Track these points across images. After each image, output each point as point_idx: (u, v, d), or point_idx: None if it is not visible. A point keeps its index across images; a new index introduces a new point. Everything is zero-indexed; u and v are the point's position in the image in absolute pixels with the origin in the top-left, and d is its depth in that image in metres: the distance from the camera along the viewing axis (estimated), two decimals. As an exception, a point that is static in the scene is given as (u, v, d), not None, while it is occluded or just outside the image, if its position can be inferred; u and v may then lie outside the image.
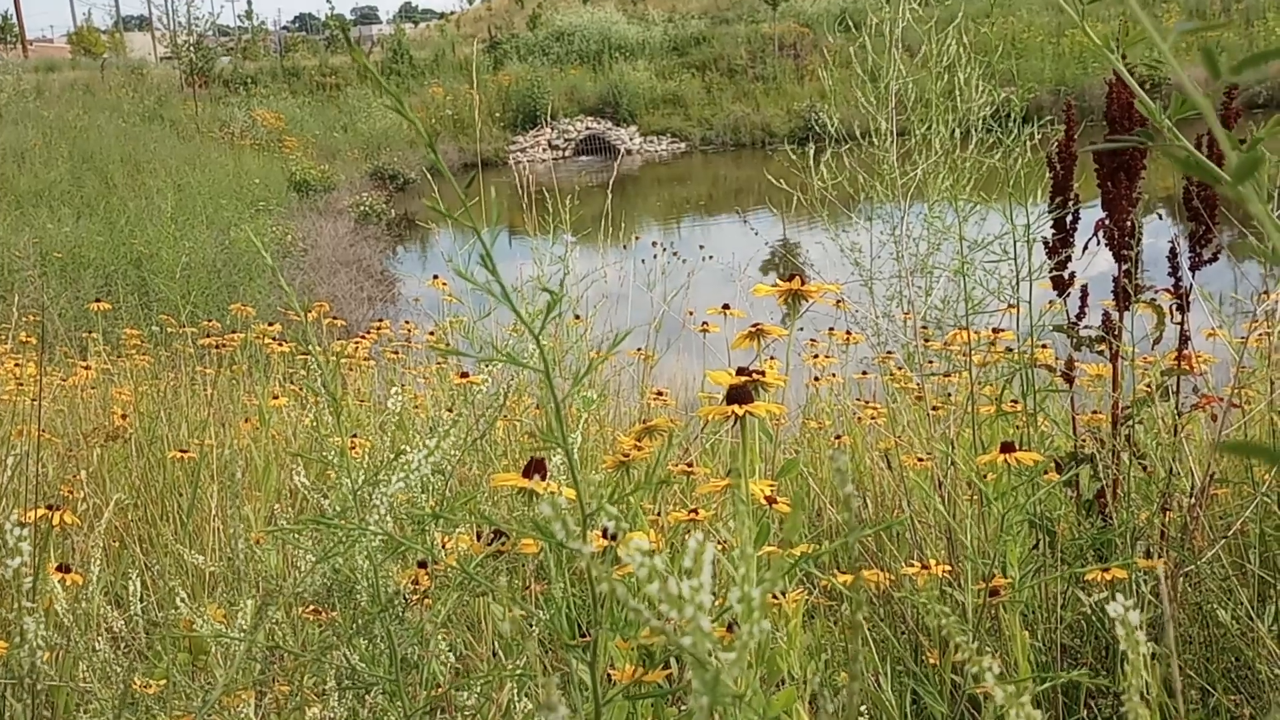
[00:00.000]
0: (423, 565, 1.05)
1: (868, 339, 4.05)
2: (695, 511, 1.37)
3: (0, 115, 17.69)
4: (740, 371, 1.17)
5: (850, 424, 2.97)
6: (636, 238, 3.46)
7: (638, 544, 0.44)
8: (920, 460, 2.22)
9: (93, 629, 1.15)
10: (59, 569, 1.28)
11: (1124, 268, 1.71)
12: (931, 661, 1.56)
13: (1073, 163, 1.77)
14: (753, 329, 1.40)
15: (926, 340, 3.87)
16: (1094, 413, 2.29)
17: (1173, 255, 1.70)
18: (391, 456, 0.94)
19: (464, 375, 2.21)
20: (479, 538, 1.02)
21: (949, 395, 3.11)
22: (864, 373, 3.60)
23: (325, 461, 0.99)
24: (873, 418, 2.96)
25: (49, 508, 1.41)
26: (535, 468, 0.97)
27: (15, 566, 0.71)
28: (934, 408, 2.85)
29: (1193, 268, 1.69)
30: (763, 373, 1.06)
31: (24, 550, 0.71)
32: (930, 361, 3.91)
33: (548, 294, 0.62)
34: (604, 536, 1.00)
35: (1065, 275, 1.75)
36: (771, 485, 1.19)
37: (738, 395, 1.00)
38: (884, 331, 4.61)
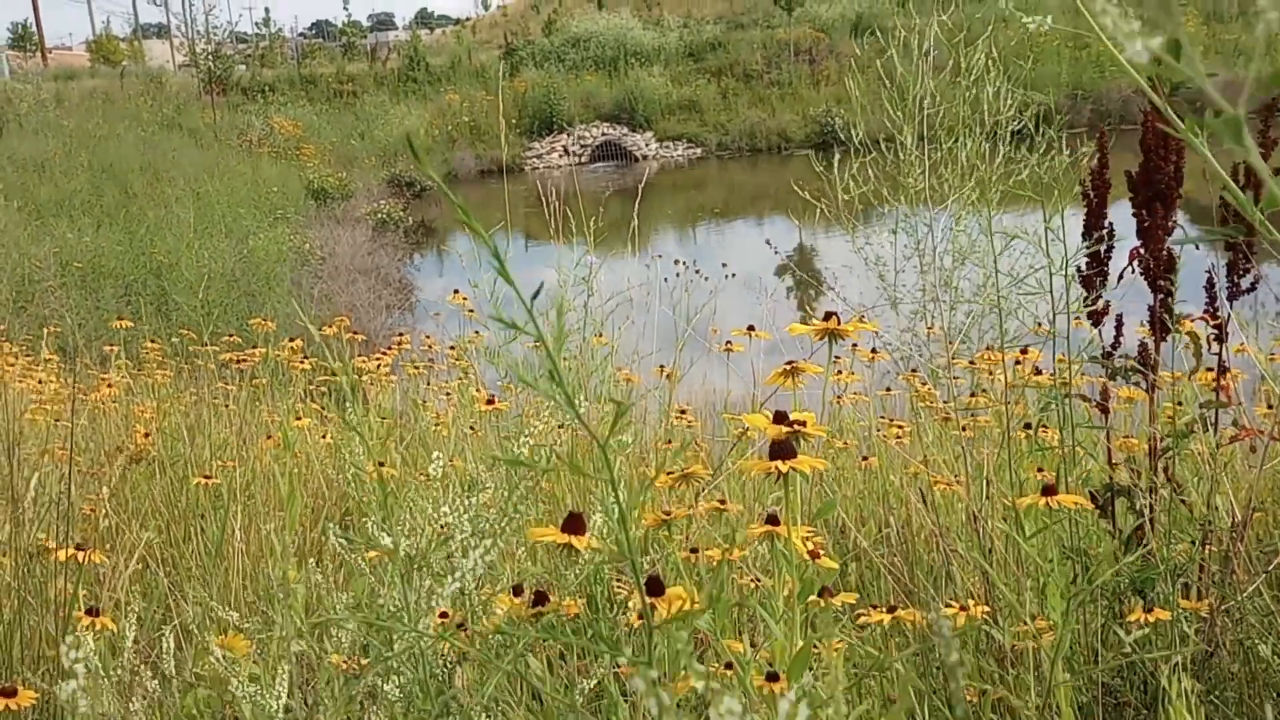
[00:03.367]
0: (461, 626, 1.03)
1: (891, 355, 4.02)
2: (730, 550, 1.35)
3: (21, 125, 17.81)
4: (778, 418, 1.15)
5: (875, 443, 2.94)
6: (659, 256, 3.45)
7: (729, 706, 0.42)
8: (949, 485, 2.19)
9: (126, 690, 1.13)
10: (88, 612, 1.27)
11: (1160, 298, 1.69)
12: (970, 700, 1.54)
13: (1107, 190, 1.75)
14: (787, 366, 1.38)
15: (953, 359, 3.83)
16: (1126, 437, 2.26)
17: (1210, 285, 1.68)
18: (437, 531, 0.92)
19: (490, 402, 2.21)
20: (516, 593, 1.01)
21: (974, 416, 3.08)
22: (888, 389, 3.58)
23: (364, 529, 0.97)
24: (898, 438, 2.93)
25: (78, 547, 1.40)
26: (574, 523, 0.96)
27: (71, 691, 0.70)
28: (962, 428, 2.82)
29: (1230, 297, 1.66)
30: (803, 422, 1.04)
31: (79, 672, 0.70)
32: (955, 378, 3.88)
33: (614, 404, 0.61)
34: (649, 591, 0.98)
35: (1100, 306, 1.72)
36: (810, 530, 1.17)
37: (780, 451, 0.98)
38: (908, 346, 4.57)
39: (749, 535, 1.16)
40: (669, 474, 1.44)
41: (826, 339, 1.32)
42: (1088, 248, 1.65)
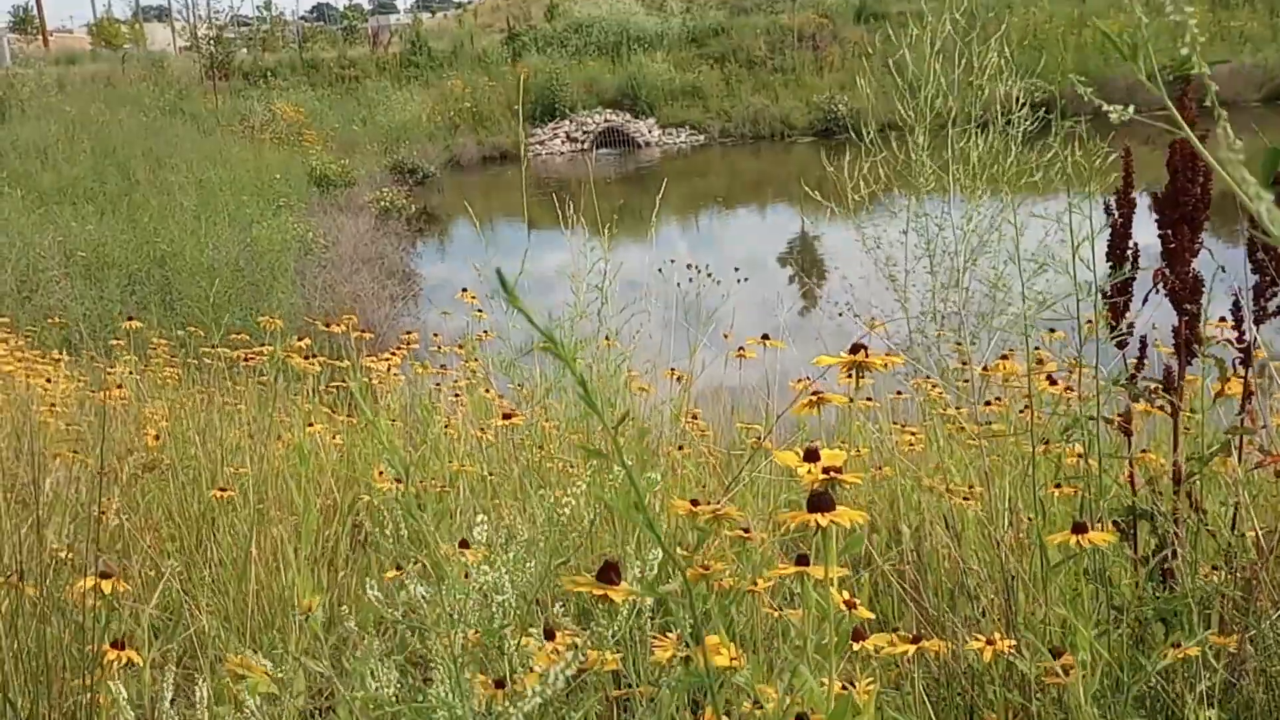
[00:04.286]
0: (499, 684, 1.02)
1: (903, 359, 3.99)
2: (755, 582, 1.35)
3: (23, 110, 17.76)
4: (809, 455, 1.14)
5: (888, 451, 2.94)
6: (672, 260, 3.44)
7: None
8: (965, 501, 2.18)
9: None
10: (114, 646, 1.26)
11: (1185, 320, 1.68)
12: (989, 726, 1.54)
13: (1132, 210, 1.74)
14: (814, 397, 1.37)
15: (965, 363, 3.82)
16: (1143, 451, 2.25)
17: (1236, 308, 1.67)
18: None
19: (507, 417, 2.20)
20: (548, 636, 1.00)
21: (989, 423, 3.07)
22: (898, 393, 3.57)
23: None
24: (910, 445, 2.93)
25: (102, 575, 1.40)
26: (608, 572, 0.95)
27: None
28: (975, 436, 2.82)
29: (1257, 320, 1.65)
30: (840, 469, 1.04)
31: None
32: (965, 381, 3.87)
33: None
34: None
35: (1124, 328, 1.71)
36: (841, 566, 1.16)
37: (819, 503, 0.97)
38: (918, 347, 4.55)
39: (779, 574, 1.16)
40: (692, 502, 1.44)
41: (846, 349, 1.32)
42: (1115, 279, 1.64)
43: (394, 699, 0.93)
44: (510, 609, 0.92)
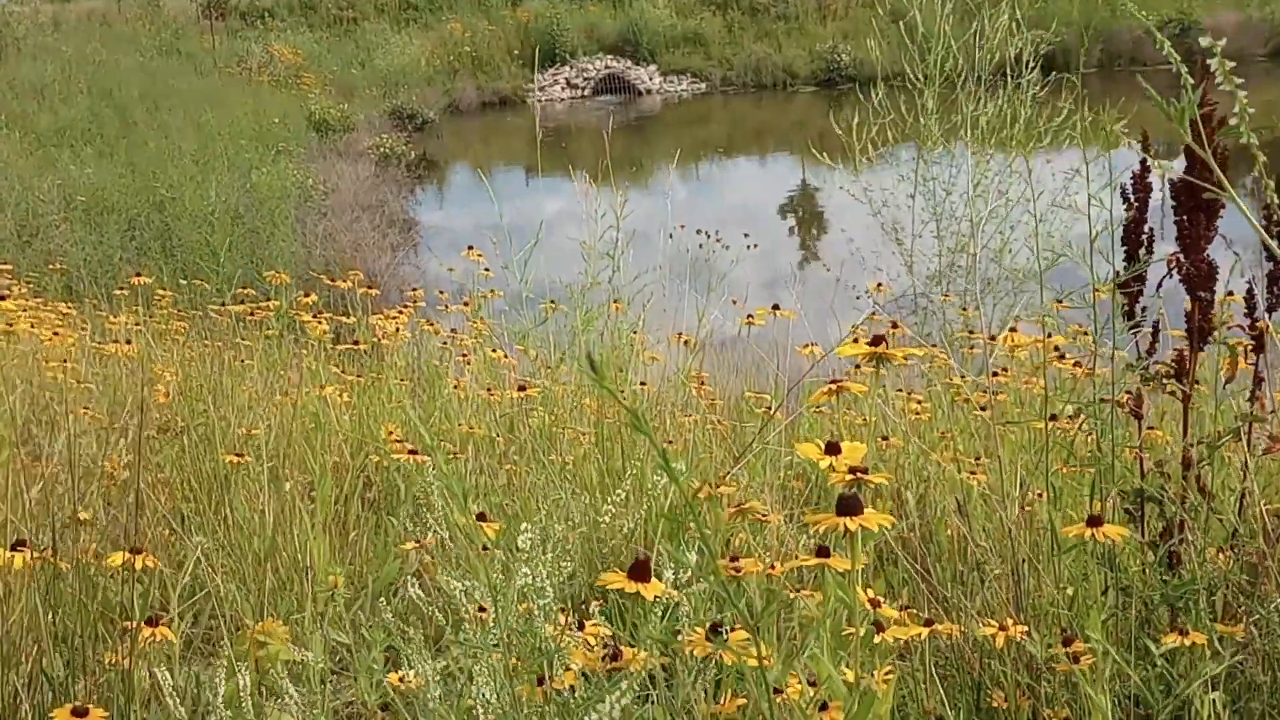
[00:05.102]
0: (539, 682, 1.05)
1: (908, 329, 4.02)
2: (773, 566, 1.38)
3: (19, 49, 17.57)
4: (830, 449, 1.16)
5: (894, 420, 2.96)
6: (682, 226, 3.44)
7: None
8: (972, 473, 2.21)
9: None
10: (147, 623, 1.29)
11: (1199, 305, 1.69)
12: (994, 705, 1.58)
13: (1148, 195, 1.75)
14: (833, 385, 1.39)
15: (971, 332, 3.83)
16: (1149, 428, 2.28)
17: (1249, 295, 1.68)
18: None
19: (521, 389, 2.22)
20: (581, 626, 1.03)
21: (995, 394, 3.09)
22: (904, 358, 3.58)
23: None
24: (916, 414, 2.95)
25: (132, 551, 1.42)
26: (640, 570, 0.97)
27: None
28: (981, 408, 2.84)
29: (1270, 308, 1.67)
30: (865, 470, 1.05)
31: None
32: (970, 348, 3.89)
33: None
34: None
35: (1137, 311, 1.73)
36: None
37: (847, 506, 0.99)
38: (922, 310, 4.57)
39: (801, 565, 1.18)
40: (710, 486, 1.46)
41: (853, 305, 1.33)
42: (1131, 272, 1.65)
43: (439, 700, 0.96)
44: (552, 612, 0.95)
